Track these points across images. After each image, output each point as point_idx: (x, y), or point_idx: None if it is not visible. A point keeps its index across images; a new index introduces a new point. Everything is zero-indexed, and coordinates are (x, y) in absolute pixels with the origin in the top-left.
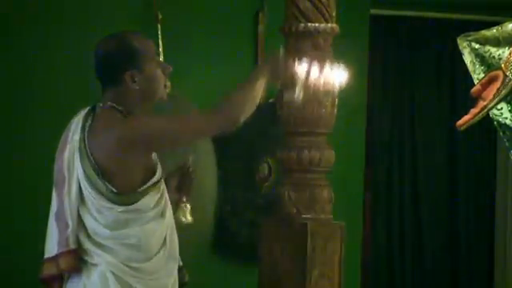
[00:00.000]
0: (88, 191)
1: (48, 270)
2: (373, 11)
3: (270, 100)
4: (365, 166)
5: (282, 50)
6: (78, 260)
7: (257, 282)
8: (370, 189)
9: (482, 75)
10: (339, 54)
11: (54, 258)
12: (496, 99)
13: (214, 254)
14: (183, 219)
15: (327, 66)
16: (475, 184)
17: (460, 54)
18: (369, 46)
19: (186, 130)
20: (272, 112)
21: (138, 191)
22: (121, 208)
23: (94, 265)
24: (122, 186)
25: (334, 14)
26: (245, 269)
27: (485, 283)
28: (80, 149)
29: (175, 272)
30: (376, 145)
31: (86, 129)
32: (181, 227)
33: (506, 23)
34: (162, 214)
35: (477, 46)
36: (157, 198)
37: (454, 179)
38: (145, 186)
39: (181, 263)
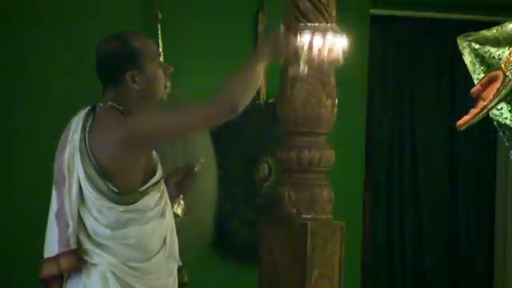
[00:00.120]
0: (89, 191)
1: (48, 270)
2: (373, 11)
3: (270, 100)
4: (365, 166)
5: (282, 27)
6: (78, 260)
7: (257, 281)
8: (369, 189)
9: (482, 75)
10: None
11: (55, 258)
12: (496, 99)
13: (214, 254)
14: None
15: (330, 35)
16: (475, 184)
17: (460, 54)
18: (369, 46)
19: (185, 123)
20: (272, 112)
21: (139, 191)
22: (122, 208)
23: (94, 265)
24: (123, 185)
25: (333, 14)
26: (245, 269)
27: (485, 283)
28: (80, 149)
29: (175, 272)
30: (376, 145)
31: (87, 129)
32: (181, 227)
33: (506, 23)
34: (162, 214)
35: (477, 46)
36: (157, 198)
37: (454, 179)
38: (145, 186)
39: (180, 263)
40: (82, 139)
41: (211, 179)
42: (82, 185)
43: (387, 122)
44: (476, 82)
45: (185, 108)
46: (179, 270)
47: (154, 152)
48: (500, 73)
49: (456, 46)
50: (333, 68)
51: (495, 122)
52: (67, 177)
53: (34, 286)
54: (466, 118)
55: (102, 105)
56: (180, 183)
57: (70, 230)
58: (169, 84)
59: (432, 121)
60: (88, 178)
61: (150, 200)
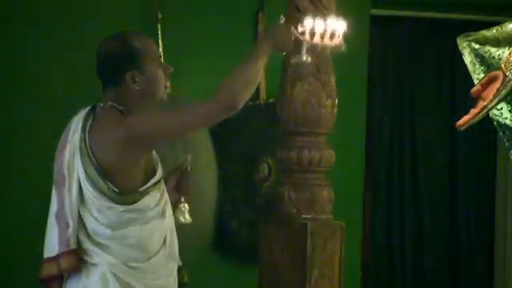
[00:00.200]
0: (89, 191)
1: (48, 270)
2: (373, 11)
3: (270, 100)
4: (365, 166)
5: (282, 19)
6: (78, 260)
7: (257, 281)
8: (370, 189)
9: (482, 75)
10: (339, 54)
11: (55, 258)
12: (496, 99)
13: (214, 254)
14: (182, 219)
15: (331, 20)
16: (475, 184)
17: (460, 54)
18: (369, 46)
19: (185, 122)
20: (272, 112)
21: (139, 191)
22: (122, 208)
23: (94, 264)
24: (123, 185)
25: (333, 14)
26: (245, 269)
27: (485, 283)
28: (81, 148)
29: (175, 272)
30: (376, 145)
31: (87, 128)
32: (181, 227)
33: (506, 23)
34: (162, 214)
35: (477, 46)
36: (157, 198)
37: (453, 179)
38: (146, 186)
39: (180, 263)
40: (82, 139)
41: (211, 179)
42: (82, 185)
43: (387, 122)
44: (476, 82)
45: (184, 107)
46: (179, 269)
47: (154, 152)
48: (500, 73)
49: (456, 46)
50: (335, 57)
51: (495, 122)
52: (67, 177)
53: (34, 286)
54: (465, 118)
55: (102, 105)
56: (178, 185)
57: (70, 229)
58: (169, 84)
59: (432, 121)
60: (88, 177)
61: (151, 200)
